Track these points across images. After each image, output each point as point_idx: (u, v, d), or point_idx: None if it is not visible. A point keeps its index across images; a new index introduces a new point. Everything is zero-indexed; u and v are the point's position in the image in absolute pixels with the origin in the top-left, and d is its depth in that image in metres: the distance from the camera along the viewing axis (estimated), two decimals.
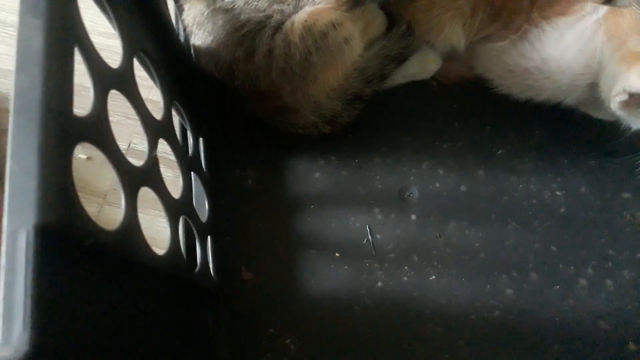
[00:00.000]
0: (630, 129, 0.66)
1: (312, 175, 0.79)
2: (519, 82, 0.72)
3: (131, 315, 0.41)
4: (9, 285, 0.29)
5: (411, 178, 0.78)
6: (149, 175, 0.48)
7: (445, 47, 0.74)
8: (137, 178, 0.45)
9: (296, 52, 0.66)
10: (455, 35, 0.71)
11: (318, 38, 0.65)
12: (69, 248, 0.33)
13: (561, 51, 0.64)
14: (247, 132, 0.82)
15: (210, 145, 0.79)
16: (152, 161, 0.50)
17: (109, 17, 0.47)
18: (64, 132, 0.34)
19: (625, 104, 0.57)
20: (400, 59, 0.76)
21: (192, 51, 0.72)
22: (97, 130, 0.39)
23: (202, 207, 0.72)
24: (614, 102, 0.58)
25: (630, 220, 0.72)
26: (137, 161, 0.48)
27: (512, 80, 0.73)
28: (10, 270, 0.30)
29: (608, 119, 0.68)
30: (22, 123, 0.32)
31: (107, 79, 0.43)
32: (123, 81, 0.46)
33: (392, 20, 0.76)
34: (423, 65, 0.79)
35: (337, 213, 0.77)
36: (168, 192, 0.54)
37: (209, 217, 0.72)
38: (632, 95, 0.55)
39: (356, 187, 0.78)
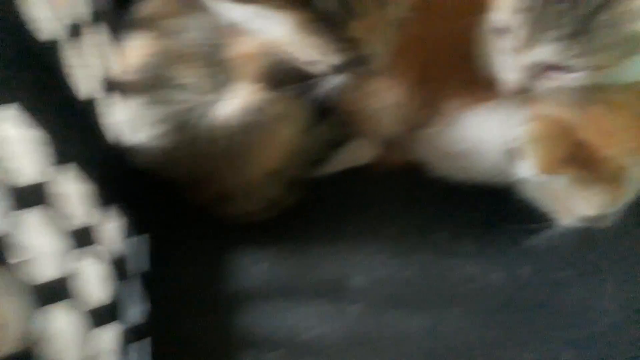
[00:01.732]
0: None
1: (254, 267, 0.78)
2: (455, 165, 0.73)
3: None
4: None
5: (353, 266, 0.77)
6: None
7: (383, 134, 0.75)
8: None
9: (227, 135, 0.67)
10: (390, 124, 0.72)
11: (246, 117, 0.67)
12: None
13: (489, 133, 0.66)
14: (188, 225, 0.80)
15: (148, 242, 0.77)
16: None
17: None
18: None
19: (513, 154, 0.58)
20: (338, 144, 0.77)
21: (128, 146, 0.71)
22: None
23: (134, 310, 0.69)
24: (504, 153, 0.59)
25: (569, 301, 0.72)
26: None
27: (448, 164, 0.73)
28: None
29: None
30: None
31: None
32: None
33: (330, 108, 0.77)
34: (362, 151, 0.80)
35: (277, 307, 0.75)
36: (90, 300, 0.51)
37: (142, 319, 0.68)
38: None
39: (297, 278, 0.77)
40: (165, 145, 0.69)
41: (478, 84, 0.67)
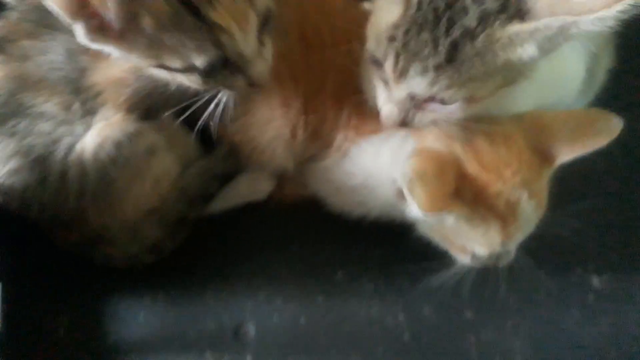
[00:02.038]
0: None
1: (137, 318, 0.71)
2: (348, 200, 0.69)
3: None
4: None
5: (247, 312, 0.71)
6: None
7: (274, 167, 0.69)
8: None
9: (91, 169, 0.61)
10: (279, 157, 0.67)
11: (112, 149, 0.60)
12: None
13: (379, 166, 0.63)
14: (59, 271, 0.72)
15: (8, 292, 0.68)
16: None
17: None
18: None
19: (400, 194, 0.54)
20: (225, 179, 0.71)
21: None
22: None
23: None
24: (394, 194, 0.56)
25: (474, 342, 0.68)
26: None
27: (341, 198, 0.69)
28: None
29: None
30: None
31: None
32: None
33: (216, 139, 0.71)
34: (255, 185, 0.74)
35: None
36: None
37: None
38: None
39: (185, 328, 0.70)
40: (20, 182, 0.61)
41: (367, 115, 0.63)
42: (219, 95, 0.57)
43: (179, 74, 0.53)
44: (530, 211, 0.56)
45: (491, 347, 0.69)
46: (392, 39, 0.46)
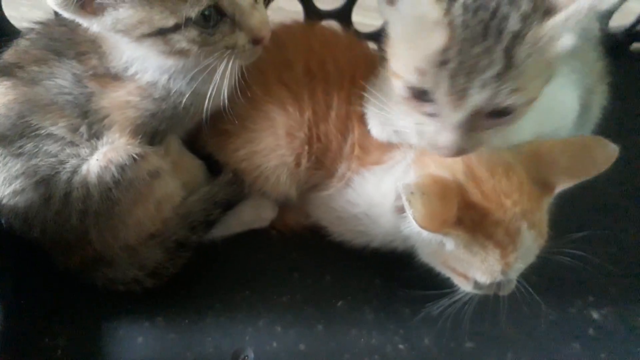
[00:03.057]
0: None
1: (135, 341, 0.70)
2: (350, 229, 0.70)
3: None
4: None
5: (247, 338, 0.70)
6: None
7: (277, 195, 0.70)
8: None
9: (95, 191, 0.61)
10: (282, 185, 0.68)
11: (116, 172, 0.61)
12: None
13: (382, 196, 0.64)
14: (59, 292, 0.72)
15: (7, 313, 0.68)
16: None
17: None
18: None
19: (399, 210, 0.55)
20: (227, 205, 0.72)
21: None
22: None
23: None
24: (392, 211, 0.57)
25: None
26: None
27: (343, 227, 0.70)
28: None
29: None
30: None
31: None
32: None
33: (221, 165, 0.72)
34: (258, 213, 0.75)
35: None
36: None
37: None
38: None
39: (185, 353, 0.69)
40: (24, 202, 0.62)
41: (370, 146, 0.64)
42: (224, 62, 0.56)
43: (176, 37, 0.53)
44: (531, 241, 0.57)
45: None
46: (443, 63, 0.46)
